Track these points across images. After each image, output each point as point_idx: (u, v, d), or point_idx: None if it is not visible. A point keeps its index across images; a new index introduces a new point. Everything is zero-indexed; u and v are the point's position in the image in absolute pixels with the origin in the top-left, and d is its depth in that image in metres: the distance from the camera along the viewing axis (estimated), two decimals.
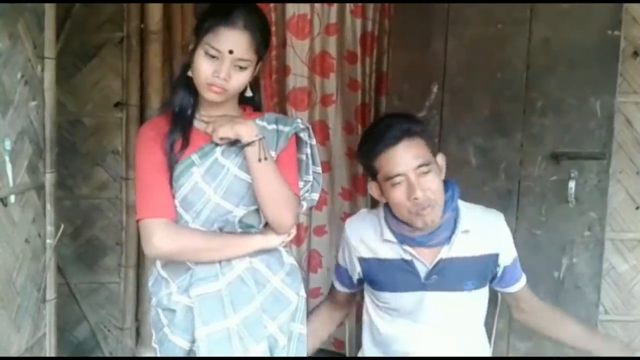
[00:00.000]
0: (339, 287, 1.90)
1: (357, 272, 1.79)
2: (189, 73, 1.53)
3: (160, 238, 1.42)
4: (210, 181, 1.50)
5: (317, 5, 2.92)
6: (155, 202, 1.46)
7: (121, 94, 2.68)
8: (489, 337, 1.90)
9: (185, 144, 1.51)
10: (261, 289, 1.56)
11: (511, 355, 2.66)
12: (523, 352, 2.67)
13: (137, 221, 1.47)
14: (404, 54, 2.60)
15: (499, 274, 1.78)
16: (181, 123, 1.52)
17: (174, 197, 1.50)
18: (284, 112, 3.00)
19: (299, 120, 1.65)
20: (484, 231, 1.73)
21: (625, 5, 2.53)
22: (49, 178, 1.93)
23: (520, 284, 1.83)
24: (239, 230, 1.55)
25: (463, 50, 2.55)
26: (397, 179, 1.61)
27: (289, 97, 2.98)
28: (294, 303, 1.61)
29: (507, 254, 1.77)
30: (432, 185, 1.62)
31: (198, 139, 1.53)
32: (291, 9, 2.92)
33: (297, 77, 2.96)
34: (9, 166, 1.69)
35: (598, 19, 2.49)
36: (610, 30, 2.50)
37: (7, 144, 1.69)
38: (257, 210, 1.57)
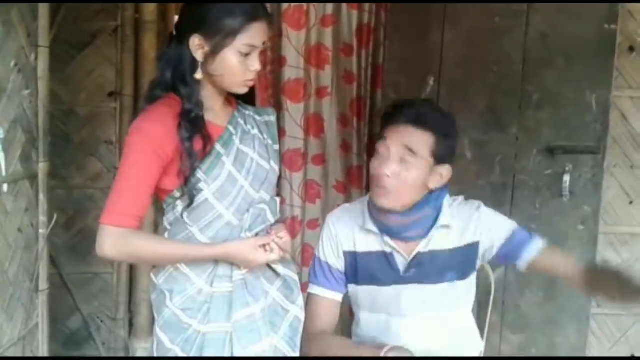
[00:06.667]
0: (319, 291, 1.78)
1: (341, 265, 1.77)
2: (197, 75, 1.48)
3: (110, 247, 1.43)
4: (240, 169, 1.52)
5: None
6: (121, 209, 1.44)
7: (115, 84, 2.66)
8: (482, 331, 1.90)
9: (208, 140, 1.48)
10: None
11: (503, 347, 2.68)
12: (515, 344, 2.69)
13: (99, 222, 1.45)
14: (400, 46, 2.60)
15: (495, 255, 1.73)
16: (198, 125, 1.48)
17: (147, 206, 1.49)
18: (278, 103, 2.97)
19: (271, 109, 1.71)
20: (463, 224, 1.72)
21: None
22: (42, 167, 1.92)
23: (535, 247, 1.73)
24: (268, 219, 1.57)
25: (460, 43, 2.55)
26: (382, 148, 1.62)
27: (284, 88, 2.95)
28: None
29: (495, 234, 1.73)
30: (402, 175, 1.60)
31: (212, 129, 1.51)
32: None
33: (293, 69, 2.93)
34: (1, 155, 1.68)
35: (595, 12, 2.50)
36: (606, 24, 2.50)
37: (0, 133, 1.68)
38: (271, 202, 1.59)
